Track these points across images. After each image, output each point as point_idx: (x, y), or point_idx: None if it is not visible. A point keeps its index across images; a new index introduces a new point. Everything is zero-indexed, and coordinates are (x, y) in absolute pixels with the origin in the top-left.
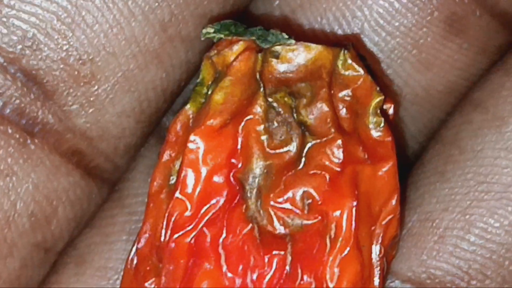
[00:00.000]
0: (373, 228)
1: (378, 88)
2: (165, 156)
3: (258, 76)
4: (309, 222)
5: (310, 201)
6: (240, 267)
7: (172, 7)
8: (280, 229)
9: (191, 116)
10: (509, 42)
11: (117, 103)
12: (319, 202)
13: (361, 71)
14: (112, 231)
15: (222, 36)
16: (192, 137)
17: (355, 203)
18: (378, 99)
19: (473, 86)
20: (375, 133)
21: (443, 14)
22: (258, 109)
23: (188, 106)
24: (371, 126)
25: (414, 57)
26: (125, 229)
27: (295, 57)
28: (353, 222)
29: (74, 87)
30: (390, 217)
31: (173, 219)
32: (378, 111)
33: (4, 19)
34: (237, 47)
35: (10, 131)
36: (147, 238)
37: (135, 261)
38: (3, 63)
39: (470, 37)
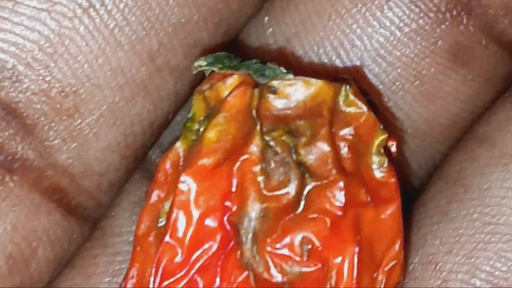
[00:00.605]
0: (375, 274)
1: (381, 126)
2: (154, 197)
3: (254, 113)
4: (309, 269)
5: (309, 247)
6: None
7: (160, 35)
8: (277, 277)
9: (181, 154)
10: None
11: (101, 138)
12: (319, 248)
13: (364, 108)
14: (94, 272)
15: (215, 69)
16: (183, 178)
17: (357, 249)
18: (381, 138)
19: (478, 120)
20: (378, 174)
21: (447, 44)
22: (254, 148)
23: (178, 143)
24: (374, 166)
25: (416, 89)
26: (108, 270)
27: (294, 93)
28: (355, 269)
29: (56, 121)
30: (393, 263)
31: (162, 265)
32: (382, 150)
33: None
34: (231, 81)
35: None
36: (134, 283)
37: None
38: None
39: (475, 67)
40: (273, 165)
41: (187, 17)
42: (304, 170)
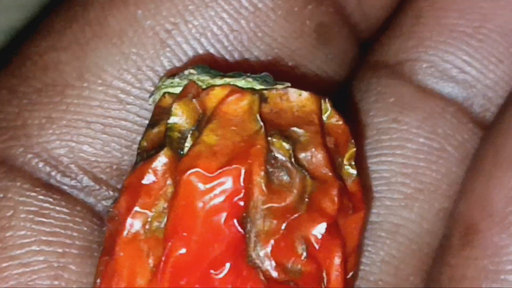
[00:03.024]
0: None
1: (352, 140)
2: (139, 204)
3: (258, 117)
4: (307, 269)
5: (308, 247)
6: None
7: None
8: (281, 275)
9: (165, 162)
10: (357, 55)
11: None
12: (317, 248)
13: (341, 120)
14: None
15: (206, 78)
16: (187, 177)
17: (341, 254)
18: (353, 150)
19: None
20: (350, 184)
21: (314, 23)
22: (259, 150)
23: (162, 152)
24: (345, 176)
25: (292, 70)
26: None
27: (285, 102)
28: (343, 273)
29: None
30: (351, 273)
31: (170, 263)
32: (353, 163)
33: None
34: (218, 91)
35: None
36: None
37: None
38: None
39: (334, 47)
40: (274, 167)
41: None
42: (305, 173)
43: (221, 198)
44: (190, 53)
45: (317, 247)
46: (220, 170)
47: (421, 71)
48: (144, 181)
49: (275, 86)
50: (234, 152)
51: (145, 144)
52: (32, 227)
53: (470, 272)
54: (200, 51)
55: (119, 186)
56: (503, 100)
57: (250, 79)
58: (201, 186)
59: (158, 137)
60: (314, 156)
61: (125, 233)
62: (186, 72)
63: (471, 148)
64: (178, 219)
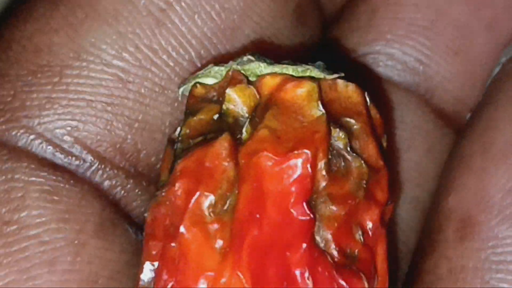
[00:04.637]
0: None
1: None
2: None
3: (320, 104)
4: (363, 255)
5: (363, 233)
6: None
7: None
8: (342, 260)
9: (226, 147)
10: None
11: None
12: (370, 236)
13: (378, 114)
14: None
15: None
16: (257, 160)
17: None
18: (385, 143)
19: None
20: None
21: (293, 4)
22: (322, 137)
23: (223, 136)
24: None
25: (273, 51)
26: None
27: (333, 92)
28: (387, 263)
29: None
30: None
31: (247, 244)
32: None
33: None
34: (269, 79)
35: None
36: None
37: None
38: None
39: (308, 28)
40: (332, 154)
41: None
42: (361, 160)
43: (289, 181)
44: (185, 31)
45: (370, 234)
46: (289, 154)
47: (383, 64)
48: (206, 165)
49: (325, 76)
50: (297, 137)
51: (187, 131)
52: (47, 206)
53: (471, 263)
54: (194, 29)
55: (122, 165)
56: (461, 92)
57: (302, 68)
58: (270, 169)
59: (201, 124)
60: (366, 146)
61: (189, 216)
62: (245, 58)
63: (435, 138)
64: (249, 201)
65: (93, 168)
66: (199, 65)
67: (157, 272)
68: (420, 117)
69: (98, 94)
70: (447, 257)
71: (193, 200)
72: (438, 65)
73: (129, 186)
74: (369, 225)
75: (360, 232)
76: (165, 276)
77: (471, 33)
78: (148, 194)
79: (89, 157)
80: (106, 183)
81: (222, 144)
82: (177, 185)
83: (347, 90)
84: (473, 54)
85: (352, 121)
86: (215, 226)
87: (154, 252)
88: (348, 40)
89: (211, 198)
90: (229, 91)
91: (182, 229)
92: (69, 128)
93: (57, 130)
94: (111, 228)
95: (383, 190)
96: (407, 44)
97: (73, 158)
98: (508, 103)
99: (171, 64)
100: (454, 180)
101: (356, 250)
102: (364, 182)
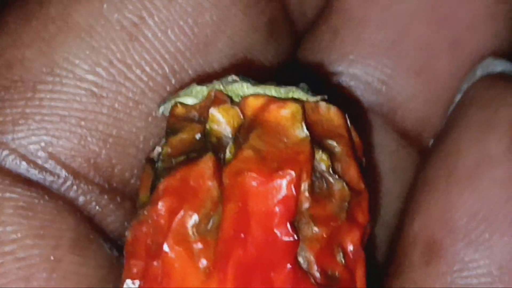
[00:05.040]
0: None
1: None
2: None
3: (304, 126)
4: (344, 276)
5: (344, 255)
6: None
7: None
8: (324, 281)
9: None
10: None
11: None
12: (351, 258)
13: (357, 137)
14: None
15: (249, 84)
16: (242, 180)
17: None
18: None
19: None
20: None
21: (266, 18)
22: (306, 159)
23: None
24: None
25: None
26: None
27: (315, 114)
28: (365, 284)
29: None
30: None
31: (232, 263)
32: None
33: None
34: (252, 100)
35: None
36: None
37: None
38: None
39: (281, 42)
40: (315, 176)
41: None
42: (343, 183)
43: (274, 201)
44: (158, 46)
45: (351, 256)
46: (273, 174)
47: (346, 84)
48: (190, 184)
49: (307, 98)
50: (282, 158)
51: (169, 150)
52: (22, 222)
53: (437, 286)
54: (168, 44)
55: (96, 180)
56: (424, 111)
57: (285, 89)
58: (254, 189)
59: (183, 144)
60: (348, 168)
61: (173, 235)
62: (229, 78)
63: (398, 158)
64: (234, 221)
65: (68, 183)
66: (173, 80)
67: None
68: (383, 136)
69: (71, 109)
70: (413, 281)
71: (177, 219)
72: (400, 85)
73: (103, 201)
74: (350, 247)
75: (341, 254)
76: None
77: (434, 52)
78: (123, 210)
79: (63, 173)
80: (81, 199)
81: (206, 164)
82: (160, 203)
83: (329, 113)
84: (436, 74)
85: (334, 143)
86: (199, 245)
87: (135, 271)
88: (313, 59)
89: (195, 217)
90: (213, 111)
91: (165, 247)
92: (43, 144)
93: (31, 146)
94: (86, 244)
95: (364, 212)
96: (370, 65)
97: (47, 174)
98: (471, 128)
99: (145, 79)
100: (419, 204)
101: (337, 272)
102: (346, 204)
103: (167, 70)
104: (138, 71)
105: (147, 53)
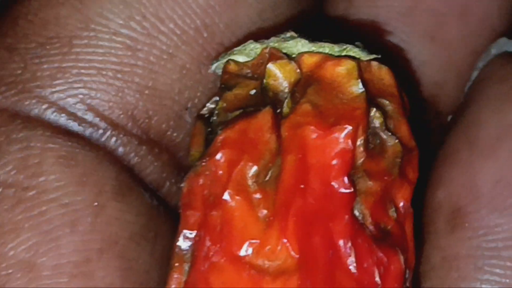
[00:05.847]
0: None
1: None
2: (244, 161)
3: (360, 83)
4: (395, 231)
5: (396, 210)
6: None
7: None
8: (378, 234)
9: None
10: None
11: None
12: (402, 213)
13: (405, 97)
14: None
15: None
16: (301, 133)
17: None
18: None
19: None
20: None
21: None
22: (362, 114)
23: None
24: None
25: None
26: None
27: (367, 73)
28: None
29: None
30: None
31: (292, 213)
32: None
33: None
34: (308, 56)
35: None
36: None
37: None
38: None
39: None
40: (370, 132)
41: None
42: (396, 139)
43: (331, 154)
44: (189, 0)
45: (402, 211)
46: (332, 128)
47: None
48: (249, 136)
49: (361, 56)
50: (338, 113)
51: (224, 104)
52: (64, 170)
53: (464, 251)
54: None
55: (134, 131)
56: (438, 78)
57: (339, 47)
58: (313, 141)
59: (238, 99)
60: (399, 126)
61: (233, 185)
62: (288, 34)
63: None
64: (294, 172)
65: (107, 134)
66: (204, 33)
67: (198, 239)
68: None
69: (108, 62)
70: (439, 247)
71: (236, 170)
72: (416, 50)
73: (142, 152)
74: (401, 202)
75: (393, 209)
76: (208, 243)
77: (445, 19)
78: (161, 162)
79: (103, 124)
80: (120, 149)
81: (265, 116)
82: (219, 154)
83: (381, 72)
84: (448, 40)
85: (386, 101)
86: (258, 195)
87: (192, 221)
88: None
89: (254, 168)
90: (270, 66)
91: (226, 196)
92: (81, 96)
93: (70, 99)
94: (128, 192)
95: (414, 169)
96: (385, 31)
97: (87, 125)
98: (490, 101)
99: (178, 32)
100: (442, 174)
101: (389, 226)
102: (399, 160)
103: (199, 24)
104: (171, 25)
105: (179, 7)
